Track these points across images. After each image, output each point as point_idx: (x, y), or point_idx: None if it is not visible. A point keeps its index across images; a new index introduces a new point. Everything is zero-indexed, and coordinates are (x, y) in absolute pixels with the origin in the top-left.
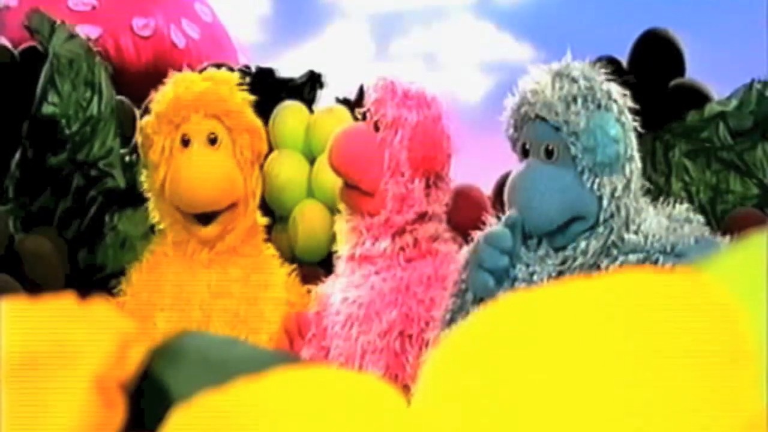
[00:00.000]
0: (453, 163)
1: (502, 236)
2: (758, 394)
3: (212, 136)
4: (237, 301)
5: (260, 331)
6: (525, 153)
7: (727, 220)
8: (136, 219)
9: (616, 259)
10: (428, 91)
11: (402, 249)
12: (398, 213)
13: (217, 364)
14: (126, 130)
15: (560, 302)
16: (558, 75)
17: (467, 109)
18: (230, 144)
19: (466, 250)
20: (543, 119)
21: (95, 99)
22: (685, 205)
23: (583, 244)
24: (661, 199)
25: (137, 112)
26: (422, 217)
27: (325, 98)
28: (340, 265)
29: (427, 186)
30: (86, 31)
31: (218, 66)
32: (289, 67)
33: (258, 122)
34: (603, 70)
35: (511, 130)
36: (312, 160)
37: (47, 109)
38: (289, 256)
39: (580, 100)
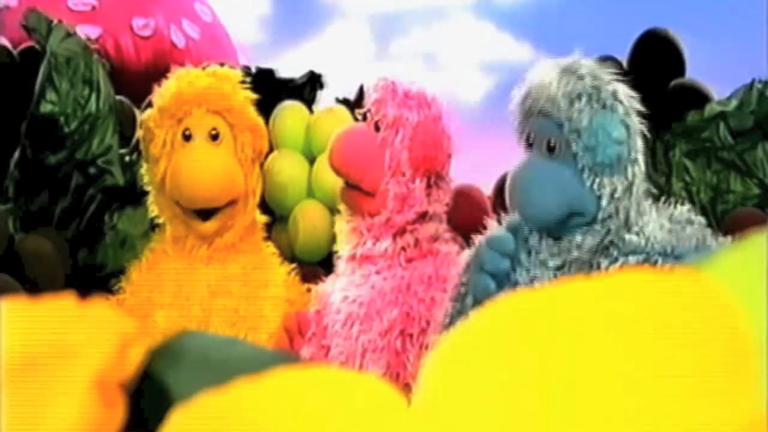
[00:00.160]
0: (453, 163)
1: (504, 239)
2: (758, 394)
3: (214, 132)
4: (236, 299)
5: (260, 329)
6: (530, 146)
7: (727, 220)
8: (135, 218)
9: (616, 260)
10: (428, 91)
11: (403, 249)
12: (399, 213)
13: (217, 364)
14: (126, 130)
15: (560, 302)
16: (565, 71)
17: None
18: (231, 141)
19: (466, 253)
20: (547, 114)
21: (93, 96)
22: (687, 206)
23: (579, 238)
24: (662, 199)
25: (137, 112)
26: (423, 216)
27: (325, 98)
28: (341, 265)
29: (428, 186)
30: (86, 31)
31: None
32: (289, 67)
33: (260, 120)
34: (611, 70)
35: (518, 122)
36: (312, 160)
37: (45, 107)
38: (289, 255)
39: (584, 98)
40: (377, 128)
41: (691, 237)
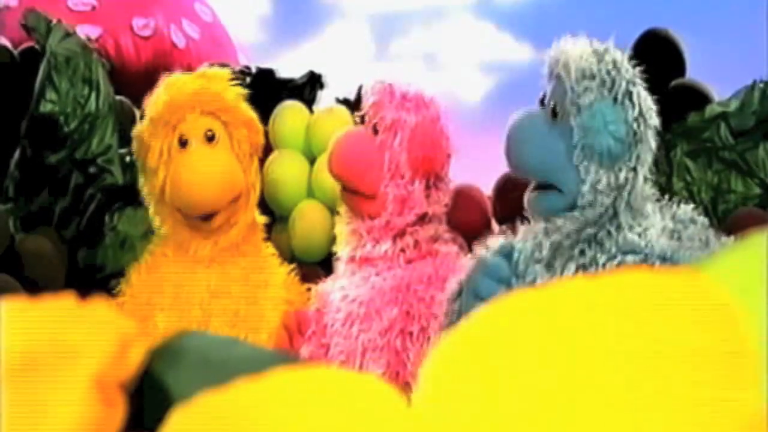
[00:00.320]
0: (453, 163)
1: (498, 266)
2: (758, 394)
3: (209, 134)
4: (236, 301)
5: (260, 330)
6: (543, 106)
7: (729, 220)
8: (135, 219)
9: (614, 256)
10: (426, 93)
11: (402, 250)
12: (399, 215)
13: (217, 364)
14: (126, 130)
15: (560, 302)
16: (595, 50)
17: (467, 109)
18: (227, 139)
19: (454, 281)
20: (560, 80)
21: (93, 96)
22: (690, 206)
23: (559, 222)
24: (666, 197)
25: (137, 112)
26: (423, 218)
27: (325, 98)
28: (340, 267)
29: (427, 187)
30: (86, 31)
31: (218, 66)
32: (289, 67)
33: (253, 114)
34: (642, 76)
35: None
36: (312, 160)
37: (45, 107)
38: (289, 256)
39: (597, 80)
40: (375, 131)
41: (693, 237)
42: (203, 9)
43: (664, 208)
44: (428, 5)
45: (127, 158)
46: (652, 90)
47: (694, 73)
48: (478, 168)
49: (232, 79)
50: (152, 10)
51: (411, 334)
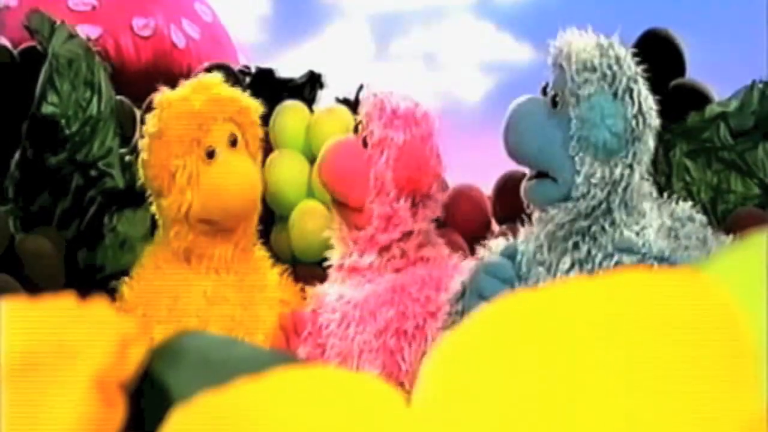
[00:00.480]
0: (453, 163)
1: (503, 266)
2: (758, 394)
3: (232, 138)
4: (232, 306)
5: (256, 332)
6: (545, 95)
7: (728, 220)
8: (135, 220)
9: (611, 255)
10: (419, 109)
11: (389, 261)
12: (384, 232)
13: (217, 364)
14: (126, 130)
15: (560, 302)
16: (599, 43)
17: (467, 109)
18: (244, 142)
19: (457, 281)
20: (563, 69)
21: (95, 99)
22: (689, 203)
23: (553, 212)
24: (665, 196)
25: (137, 112)
26: (408, 235)
27: (325, 98)
28: (332, 275)
29: (414, 205)
30: (86, 31)
31: (218, 66)
32: (289, 67)
33: (260, 111)
34: (645, 75)
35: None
36: (312, 160)
37: (47, 109)
38: (289, 256)
39: (597, 73)
40: (365, 144)
41: (691, 235)
42: (203, 9)
43: (663, 206)
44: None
45: (127, 158)
46: (651, 90)
47: (694, 73)
48: (478, 168)
49: (226, 80)
50: (152, 10)
51: (406, 334)
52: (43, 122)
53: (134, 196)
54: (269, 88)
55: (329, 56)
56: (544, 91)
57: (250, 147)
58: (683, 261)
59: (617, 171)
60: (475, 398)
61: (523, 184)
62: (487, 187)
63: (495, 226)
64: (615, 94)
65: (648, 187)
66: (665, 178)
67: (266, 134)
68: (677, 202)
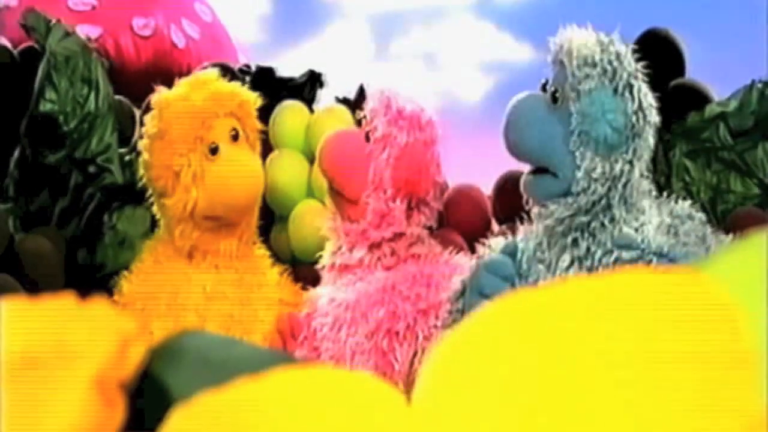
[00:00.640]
0: (453, 162)
1: (503, 264)
2: (758, 395)
3: (233, 133)
4: (231, 303)
5: (254, 331)
6: (544, 91)
7: (728, 220)
8: (135, 218)
9: (610, 252)
10: (424, 114)
11: (379, 259)
12: (376, 228)
13: (217, 364)
14: (125, 129)
15: (560, 301)
16: (599, 39)
17: (467, 109)
18: (244, 136)
19: (456, 279)
20: (563, 65)
21: (92, 95)
22: (688, 202)
23: (552, 207)
24: (665, 195)
25: (136, 112)
26: (400, 236)
27: (325, 98)
28: (324, 276)
29: (410, 208)
30: (86, 30)
31: (218, 66)
32: (289, 67)
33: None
34: (645, 71)
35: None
36: (312, 160)
37: (45, 106)
38: (289, 256)
39: (598, 68)
40: (368, 138)
41: (690, 233)
42: (203, 9)
43: (662, 204)
44: (428, 5)
45: (126, 157)
46: (651, 89)
47: (694, 73)
48: (478, 168)
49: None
50: (152, 10)
51: (397, 333)
52: (42, 120)
53: (134, 194)
54: (269, 87)
55: (329, 56)
56: (544, 88)
57: (250, 140)
58: (682, 257)
59: (617, 167)
60: (475, 398)
61: (523, 179)
62: (487, 187)
63: (495, 226)
64: (615, 90)
65: (648, 185)
66: (665, 178)
67: (266, 134)
68: (676, 201)
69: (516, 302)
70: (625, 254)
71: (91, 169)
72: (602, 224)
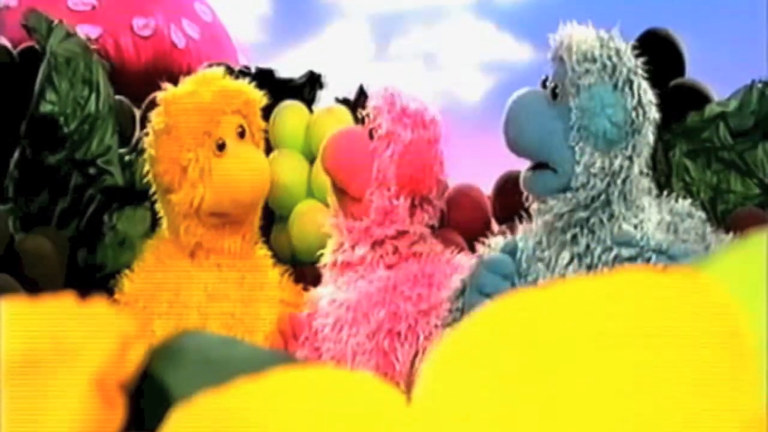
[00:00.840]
0: (453, 162)
1: (503, 262)
2: (758, 394)
3: (240, 130)
4: (233, 303)
5: (256, 330)
6: (544, 88)
7: (728, 220)
8: (135, 218)
9: (610, 249)
10: (428, 112)
11: (381, 257)
12: (379, 226)
13: (217, 364)
14: (125, 129)
15: (560, 301)
16: (599, 36)
17: (467, 109)
18: (250, 133)
19: (457, 279)
20: (563, 61)
21: (93, 97)
22: (688, 200)
23: (552, 202)
24: (665, 194)
25: (136, 112)
26: (403, 234)
27: (325, 98)
28: (325, 274)
29: (413, 206)
30: (86, 30)
31: (218, 66)
32: (289, 67)
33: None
34: (644, 67)
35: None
36: (312, 160)
37: (45, 107)
38: (289, 256)
39: (597, 64)
40: (371, 136)
41: (689, 230)
42: (203, 9)
43: (662, 202)
44: (428, 5)
45: (126, 157)
46: (651, 90)
47: (694, 73)
48: (478, 168)
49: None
50: (152, 10)
51: (399, 334)
52: (42, 121)
53: (134, 194)
54: (269, 88)
55: (329, 56)
56: (544, 85)
57: (255, 138)
58: (682, 254)
59: (617, 162)
60: (475, 397)
61: (523, 175)
62: (487, 187)
63: (495, 226)
64: (615, 86)
65: (647, 183)
66: (665, 178)
67: (265, 133)
68: (676, 200)
69: (515, 303)
70: (625, 251)
71: (92, 170)
72: (601, 221)
